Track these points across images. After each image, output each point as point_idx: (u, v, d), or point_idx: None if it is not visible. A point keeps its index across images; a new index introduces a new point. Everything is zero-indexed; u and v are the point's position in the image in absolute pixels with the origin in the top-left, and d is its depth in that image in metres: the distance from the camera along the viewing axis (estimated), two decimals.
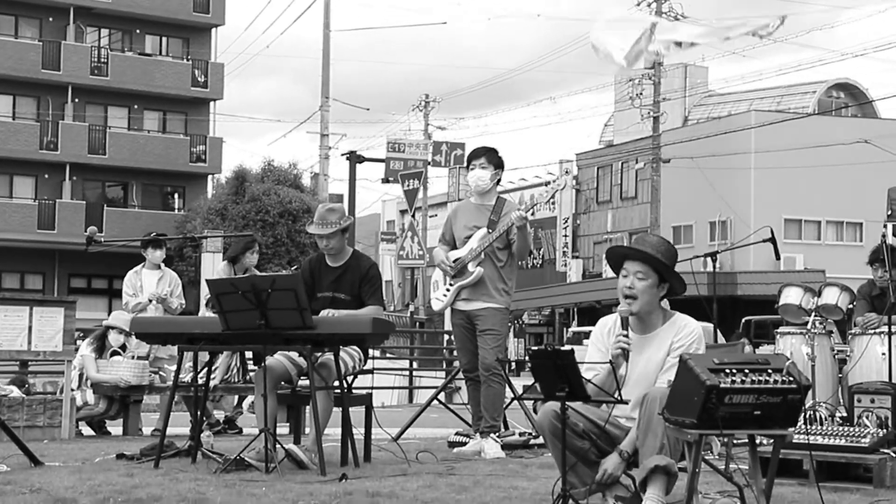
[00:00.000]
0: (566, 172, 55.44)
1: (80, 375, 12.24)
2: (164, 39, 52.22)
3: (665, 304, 6.46)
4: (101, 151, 49.26)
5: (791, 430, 5.82)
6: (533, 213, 9.45)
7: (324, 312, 8.36)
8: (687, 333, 6.24)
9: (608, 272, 53.59)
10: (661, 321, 6.32)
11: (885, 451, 7.66)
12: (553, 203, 50.44)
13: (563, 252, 57.27)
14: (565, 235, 57.57)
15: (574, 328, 47.37)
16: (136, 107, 51.01)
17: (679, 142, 46.06)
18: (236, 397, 12.73)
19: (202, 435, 8.63)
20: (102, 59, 49.82)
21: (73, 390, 11.90)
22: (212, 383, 10.17)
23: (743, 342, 11.61)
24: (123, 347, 12.37)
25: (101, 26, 50.79)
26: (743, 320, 31.91)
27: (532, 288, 51.92)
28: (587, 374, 6.14)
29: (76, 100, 49.47)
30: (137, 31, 51.17)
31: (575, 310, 51.98)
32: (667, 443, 5.85)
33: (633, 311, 6.21)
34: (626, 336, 6.14)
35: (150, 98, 50.83)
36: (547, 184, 10.08)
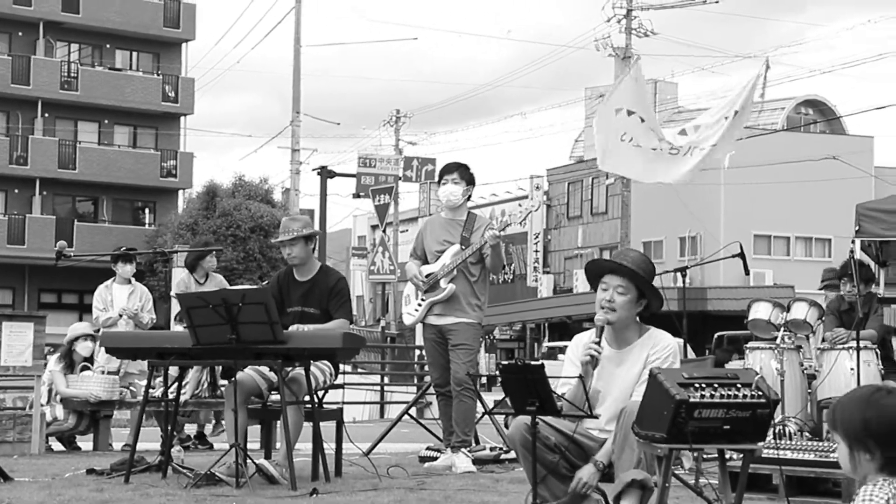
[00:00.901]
0: (537, 188, 55.58)
1: (50, 391, 12.18)
2: (134, 54, 52.14)
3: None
4: (71, 166, 49.11)
5: (760, 444, 5.85)
6: (504, 230, 9.48)
7: (293, 327, 8.36)
8: (662, 347, 6.28)
9: (579, 287, 53.81)
10: (637, 335, 6.35)
11: None
12: (526, 221, 50.55)
13: (534, 267, 57.34)
14: (536, 251, 57.62)
15: (548, 343, 47.42)
16: (106, 121, 50.89)
17: None
18: (213, 415, 12.68)
19: (172, 450, 8.60)
20: (72, 74, 49.71)
21: (42, 405, 11.83)
22: (182, 398, 10.17)
23: (734, 357, 11.59)
24: (91, 360, 12.30)
25: (71, 41, 50.69)
26: (715, 335, 32.03)
27: (503, 303, 51.95)
28: (561, 388, 6.17)
29: (46, 114, 49.31)
30: (107, 45, 51.07)
31: (546, 325, 52.06)
32: (643, 457, 5.88)
33: (611, 320, 6.23)
34: (598, 343, 6.17)
35: (121, 113, 50.72)
36: (520, 201, 10.15)
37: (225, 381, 10.67)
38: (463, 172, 9.68)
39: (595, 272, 6.40)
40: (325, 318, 8.70)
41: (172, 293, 12.50)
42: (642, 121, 11.11)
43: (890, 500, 3.58)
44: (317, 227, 41.03)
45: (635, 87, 11.20)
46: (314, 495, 7.41)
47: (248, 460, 8.10)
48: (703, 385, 5.53)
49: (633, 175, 11.65)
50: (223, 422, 12.46)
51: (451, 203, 9.64)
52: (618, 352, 6.33)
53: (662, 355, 6.23)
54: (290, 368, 8.31)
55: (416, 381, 27.93)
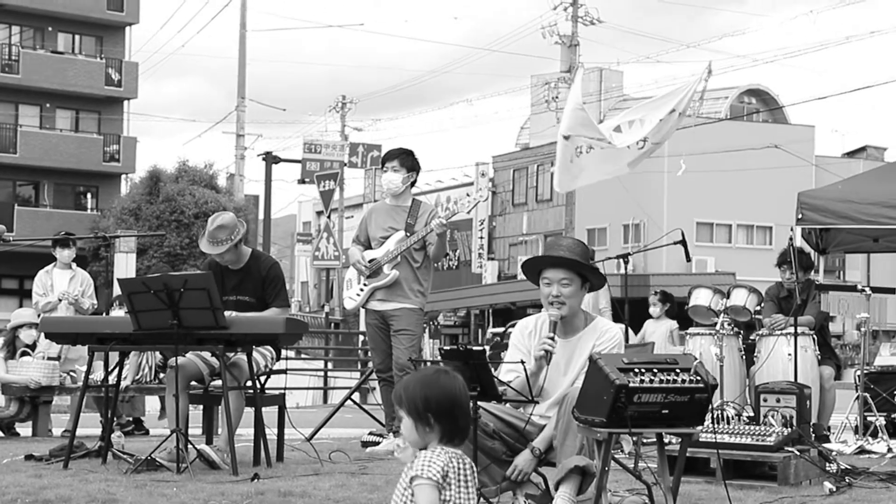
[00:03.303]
0: (482, 175, 55.65)
1: None
2: (76, 37, 51.55)
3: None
4: (11, 150, 48.56)
5: (698, 428, 5.91)
6: (451, 218, 9.52)
7: (227, 315, 8.28)
8: (609, 338, 6.34)
9: (523, 274, 53.76)
10: (584, 324, 6.39)
11: (790, 449, 7.81)
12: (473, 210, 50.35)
13: (479, 254, 57.42)
14: (481, 237, 57.71)
15: (492, 329, 47.50)
16: (48, 105, 50.32)
17: None
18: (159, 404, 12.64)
19: (113, 435, 8.56)
20: (13, 57, 49.09)
21: None
22: (123, 383, 10.10)
23: None
24: (33, 346, 12.20)
25: (13, 23, 50.05)
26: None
27: (448, 289, 52.01)
28: (508, 375, 6.19)
29: None
30: (49, 28, 50.47)
31: (490, 311, 52.15)
32: (586, 443, 5.91)
33: (564, 314, 6.26)
34: (553, 339, 6.18)
35: (63, 97, 50.16)
36: (467, 188, 10.16)
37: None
38: (404, 159, 9.64)
39: (534, 268, 6.41)
40: (261, 305, 8.67)
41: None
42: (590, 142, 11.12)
43: (445, 466, 4.13)
44: (261, 213, 40.86)
45: (578, 112, 11.16)
46: (255, 480, 7.41)
47: (189, 445, 8.08)
48: (643, 370, 5.58)
49: (589, 180, 11.61)
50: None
51: (392, 191, 9.64)
52: (565, 341, 6.35)
53: (609, 346, 6.28)
54: (231, 353, 8.29)
55: (359, 366, 27.95)
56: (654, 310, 14.17)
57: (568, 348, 6.34)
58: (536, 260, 6.42)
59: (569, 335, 6.37)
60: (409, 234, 9.44)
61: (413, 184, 9.74)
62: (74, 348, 11.94)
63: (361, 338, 27.91)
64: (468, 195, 9.50)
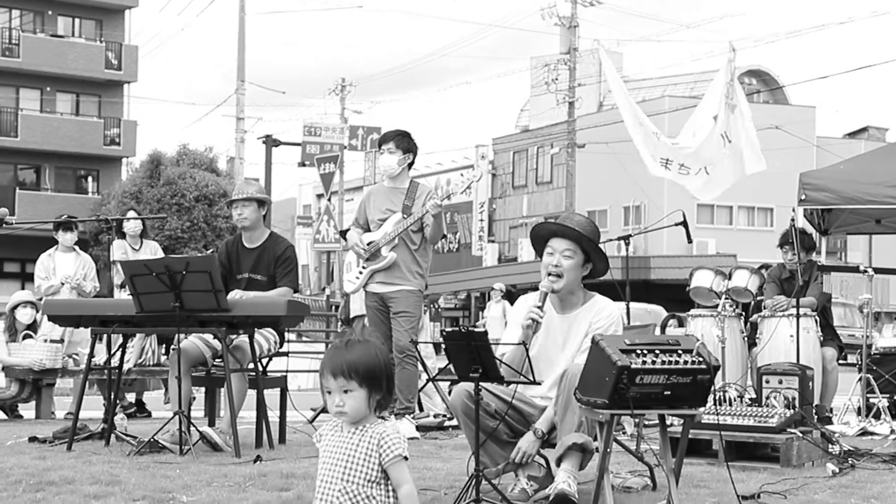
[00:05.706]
0: (482, 157, 55.59)
1: None
2: (76, 21, 51.48)
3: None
4: (12, 134, 48.57)
5: (700, 410, 5.91)
6: (449, 199, 9.50)
7: (232, 294, 8.31)
8: (606, 316, 6.27)
9: (523, 256, 53.90)
10: (582, 301, 6.33)
11: (792, 430, 7.82)
12: (469, 191, 50.20)
13: (479, 236, 57.42)
14: (481, 220, 57.71)
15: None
16: (48, 89, 50.29)
17: (594, 127, 46.35)
18: (161, 383, 12.65)
19: (116, 417, 8.58)
20: (14, 41, 49.04)
21: None
22: (125, 366, 10.12)
23: None
24: (33, 326, 12.21)
25: (12, 7, 49.98)
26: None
27: (448, 272, 52.01)
28: (500, 349, 6.17)
29: None
30: (49, 12, 50.41)
31: (490, 293, 52.17)
32: (585, 420, 5.91)
33: (556, 288, 6.20)
34: (540, 308, 6.14)
35: (63, 80, 50.12)
36: (462, 171, 10.12)
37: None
38: (399, 141, 9.61)
39: (543, 234, 6.35)
40: (272, 284, 8.69)
41: (113, 259, 12.31)
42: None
43: None
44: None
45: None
46: (258, 462, 7.42)
47: (192, 428, 8.10)
48: (645, 351, 5.57)
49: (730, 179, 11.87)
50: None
51: (388, 173, 9.63)
52: (563, 316, 6.32)
53: (605, 323, 6.22)
54: (234, 336, 8.30)
55: None
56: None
57: (565, 324, 6.31)
58: (545, 226, 6.35)
59: (567, 311, 6.33)
60: (405, 216, 9.44)
61: (410, 165, 9.71)
62: (79, 331, 11.96)
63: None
64: (462, 175, 9.48)
